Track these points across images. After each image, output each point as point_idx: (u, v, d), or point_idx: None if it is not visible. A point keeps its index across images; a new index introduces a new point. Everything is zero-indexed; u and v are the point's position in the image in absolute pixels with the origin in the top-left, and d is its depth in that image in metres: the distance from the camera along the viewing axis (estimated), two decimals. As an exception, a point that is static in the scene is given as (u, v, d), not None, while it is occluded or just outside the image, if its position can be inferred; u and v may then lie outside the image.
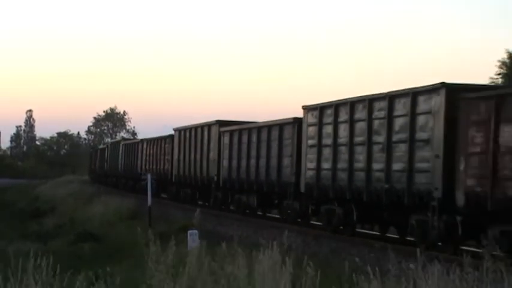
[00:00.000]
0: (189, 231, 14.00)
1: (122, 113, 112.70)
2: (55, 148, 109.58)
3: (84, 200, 34.18)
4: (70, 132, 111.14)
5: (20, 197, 45.04)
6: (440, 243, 13.56)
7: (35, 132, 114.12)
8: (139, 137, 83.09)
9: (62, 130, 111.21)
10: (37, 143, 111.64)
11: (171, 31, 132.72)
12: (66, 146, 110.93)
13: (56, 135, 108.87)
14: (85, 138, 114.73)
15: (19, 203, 38.62)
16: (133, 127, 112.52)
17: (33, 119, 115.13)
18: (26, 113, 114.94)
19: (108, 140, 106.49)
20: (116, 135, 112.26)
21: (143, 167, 36.55)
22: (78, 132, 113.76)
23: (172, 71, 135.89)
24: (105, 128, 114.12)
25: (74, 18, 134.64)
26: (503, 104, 11.82)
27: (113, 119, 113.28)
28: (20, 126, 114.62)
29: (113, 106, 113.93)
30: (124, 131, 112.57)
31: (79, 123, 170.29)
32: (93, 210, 28.17)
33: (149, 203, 21.15)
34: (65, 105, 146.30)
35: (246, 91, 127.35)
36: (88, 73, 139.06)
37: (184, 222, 18.45)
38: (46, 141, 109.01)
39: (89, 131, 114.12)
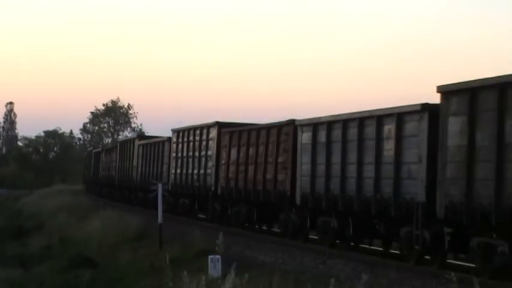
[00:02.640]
0: (210, 257, 16.72)
1: (126, 106, 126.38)
2: (42, 150, 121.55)
3: (78, 215, 40.05)
4: (61, 131, 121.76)
5: (-3, 211, 51.12)
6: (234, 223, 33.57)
7: (16, 131, 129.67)
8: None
9: (51, 128, 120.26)
10: (19, 143, 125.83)
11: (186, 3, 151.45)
12: (55, 148, 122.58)
13: (42, 134, 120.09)
14: (80, 139, 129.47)
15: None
16: (141, 124, 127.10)
17: (14, 113, 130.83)
18: (6, 106, 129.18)
19: (108, 140, 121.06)
20: (118, 134, 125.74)
21: (101, 174, 58.68)
22: (71, 131, 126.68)
23: (185, 55, 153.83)
24: (105, 125, 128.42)
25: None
26: (232, 136, 31.71)
27: (114, 115, 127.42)
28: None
29: (114, 98, 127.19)
30: (129, 129, 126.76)
31: (72, 120, 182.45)
32: (89, 228, 33.05)
33: (159, 219, 25.16)
34: (55, 97, 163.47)
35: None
36: (83, 57, 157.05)
37: (204, 244, 22.96)
38: (30, 142, 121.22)
39: (84, 130, 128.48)
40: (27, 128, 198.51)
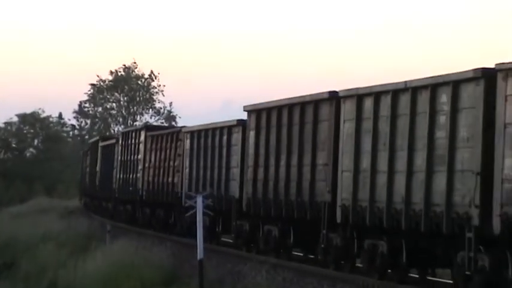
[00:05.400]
0: None
1: (146, 76, 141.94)
2: (14, 144, 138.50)
3: (72, 247, 46.04)
4: (43, 114, 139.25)
5: None
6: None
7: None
8: (181, 123, 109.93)
9: (28, 110, 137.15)
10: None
11: None
12: (36, 141, 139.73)
13: (15, 119, 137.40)
14: (74, 126, 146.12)
15: None
16: (170, 104, 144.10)
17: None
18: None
19: (119, 128, 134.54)
20: (134, 119, 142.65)
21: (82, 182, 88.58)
22: (60, 114, 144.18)
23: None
24: (115, 104, 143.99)
25: None
26: (153, 140, 60.27)
27: (129, 88, 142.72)
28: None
29: (128, 63, 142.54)
30: (151, 111, 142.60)
31: (62, 98, 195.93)
32: (90, 268, 36.94)
33: (199, 254, 30.29)
34: (35, 64, 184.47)
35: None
36: (79, 9, 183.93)
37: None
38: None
39: (81, 112, 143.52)
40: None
